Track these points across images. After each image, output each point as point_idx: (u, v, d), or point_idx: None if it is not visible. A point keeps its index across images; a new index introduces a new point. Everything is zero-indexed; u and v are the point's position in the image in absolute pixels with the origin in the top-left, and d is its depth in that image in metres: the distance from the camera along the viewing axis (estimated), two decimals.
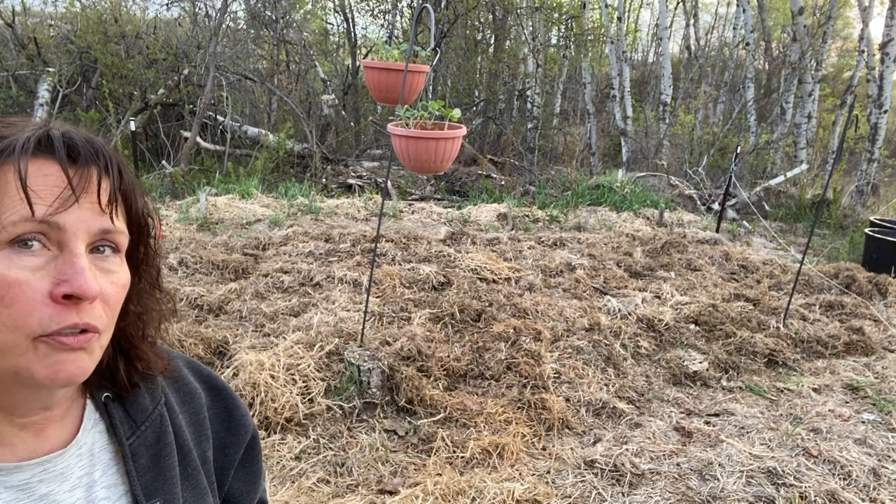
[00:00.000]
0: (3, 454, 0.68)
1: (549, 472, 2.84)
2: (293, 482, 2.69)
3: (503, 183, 9.48)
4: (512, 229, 7.15)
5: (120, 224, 0.67)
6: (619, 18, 13.33)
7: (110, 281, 0.66)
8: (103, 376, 0.76)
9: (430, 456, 2.90)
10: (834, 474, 2.80)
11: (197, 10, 10.64)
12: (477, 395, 3.44)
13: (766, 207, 9.23)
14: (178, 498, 0.77)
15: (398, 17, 12.31)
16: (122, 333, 0.76)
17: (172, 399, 0.83)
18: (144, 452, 0.76)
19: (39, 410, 0.71)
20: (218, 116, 9.92)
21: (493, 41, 12.53)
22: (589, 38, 12.84)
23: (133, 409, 0.78)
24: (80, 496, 0.72)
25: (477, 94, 12.92)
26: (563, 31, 13.65)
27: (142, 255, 0.75)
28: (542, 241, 6.47)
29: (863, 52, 11.66)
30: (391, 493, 2.62)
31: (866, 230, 6.57)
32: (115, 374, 0.76)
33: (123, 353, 0.77)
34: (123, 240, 0.68)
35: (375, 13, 12.04)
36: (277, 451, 2.85)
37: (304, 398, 3.12)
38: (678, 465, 2.86)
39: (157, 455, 0.77)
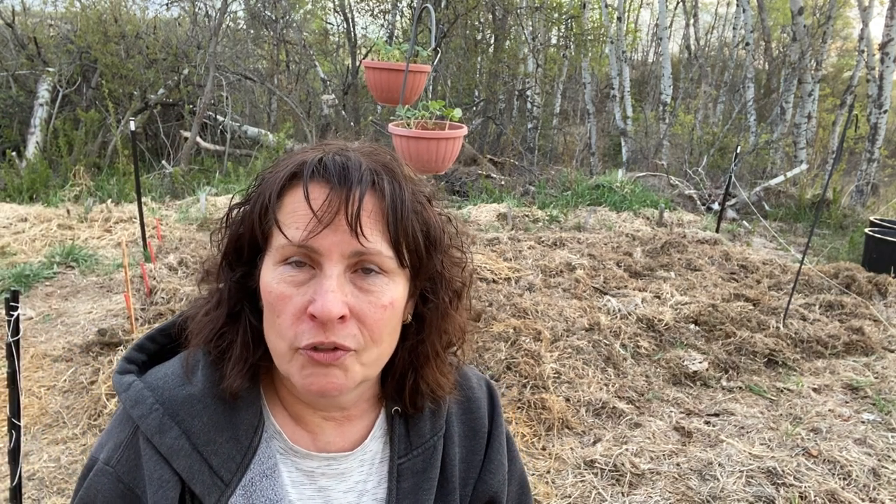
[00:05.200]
0: (304, 440, 0.74)
1: (549, 472, 2.84)
2: None
3: (503, 183, 9.48)
4: (512, 229, 7.15)
5: (375, 245, 0.66)
6: (619, 18, 13.34)
7: (368, 301, 0.66)
8: (396, 391, 0.78)
9: None
10: (834, 474, 2.80)
11: (197, 10, 10.64)
12: None
13: (766, 207, 9.22)
14: None
15: (398, 17, 12.31)
16: (413, 352, 0.77)
17: (455, 430, 0.82)
18: (409, 477, 0.77)
19: (336, 409, 0.75)
20: (218, 116, 9.92)
21: (493, 41, 12.52)
22: (589, 38, 12.83)
23: (413, 431, 0.78)
24: (351, 500, 0.74)
25: (477, 94, 12.91)
26: (563, 31, 13.64)
27: (424, 275, 0.73)
28: (542, 241, 6.47)
29: (863, 52, 11.65)
30: None
31: (866, 230, 6.57)
32: (403, 389, 0.77)
33: (414, 369, 0.77)
34: (386, 261, 0.67)
35: (375, 13, 12.04)
36: None
37: None
38: (678, 465, 2.86)
39: (417, 484, 0.77)
